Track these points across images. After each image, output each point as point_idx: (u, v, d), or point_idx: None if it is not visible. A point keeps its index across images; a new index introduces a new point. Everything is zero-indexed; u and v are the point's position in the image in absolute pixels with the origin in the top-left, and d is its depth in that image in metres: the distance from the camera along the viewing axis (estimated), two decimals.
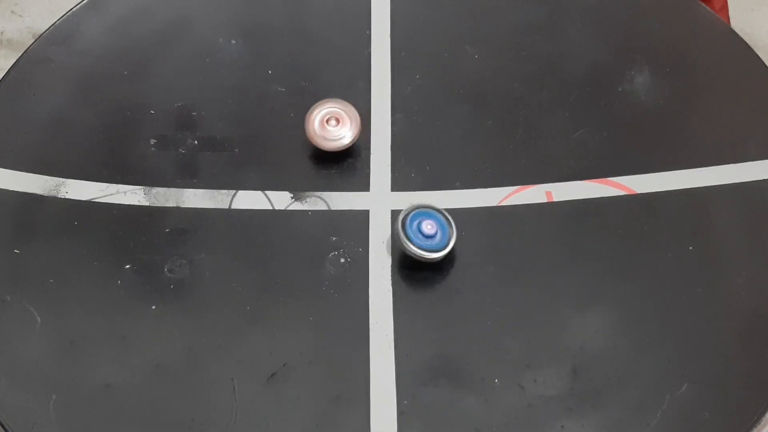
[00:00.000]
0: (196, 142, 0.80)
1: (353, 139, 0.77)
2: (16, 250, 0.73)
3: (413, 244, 0.71)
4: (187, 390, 0.67)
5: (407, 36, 0.87)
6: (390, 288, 0.72)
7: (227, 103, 0.83)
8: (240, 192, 0.77)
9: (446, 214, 0.73)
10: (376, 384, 0.67)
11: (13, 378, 0.67)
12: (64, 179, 0.77)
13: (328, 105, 0.78)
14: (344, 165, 0.79)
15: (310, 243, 0.74)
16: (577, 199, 0.77)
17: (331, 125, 0.77)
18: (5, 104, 0.82)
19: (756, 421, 0.66)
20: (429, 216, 0.72)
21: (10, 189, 0.77)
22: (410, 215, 0.72)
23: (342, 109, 0.77)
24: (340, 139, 0.77)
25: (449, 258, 0.73)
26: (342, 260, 0.73)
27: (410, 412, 0.66)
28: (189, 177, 0.78)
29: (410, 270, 0.73)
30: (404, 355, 0.68)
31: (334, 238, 0.74)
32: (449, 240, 0.72)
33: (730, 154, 0.79)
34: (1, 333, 0.69)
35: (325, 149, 0.77)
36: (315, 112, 0.77)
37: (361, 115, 0.78)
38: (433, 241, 0.71)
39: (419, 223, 0.71)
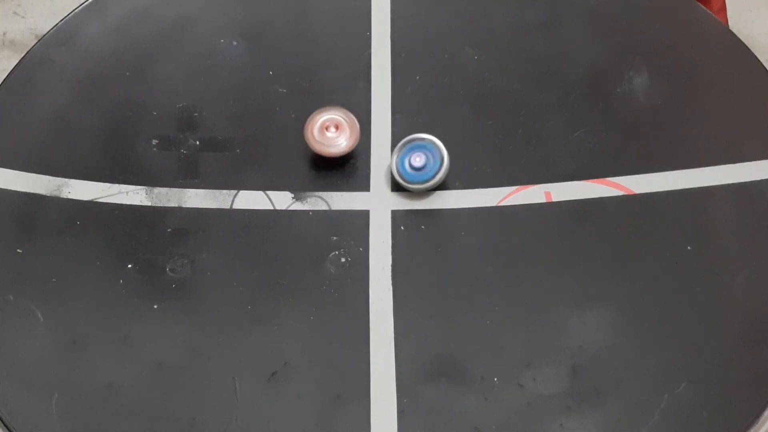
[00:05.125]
0: (197, 142, 0.80)
1: (350, 149, 0.77)
2: (18, 250, 0.74)
3: (403, 179, 0.75)
4: (189, 389, 0.67)
5: (407, 37, 0.87)
6: (390, 288, 0.72)
7: (228, 104, 0.83)
8: (241, 192, 0.77)
9: (437, 142, 0.76)
10: (377, 383, 0.67)
11: (15, 377, 0.68)
12: (66, 179, 0.77)
13: (328, 112, 0.78)
14: (345, 165, 0.79)
15: (311, 243, 0.74)
16: (576, 199, 0.77)
17: (330, 132, 0.77)
18: (8, 105, 0.82)
19: (754, 420, 0.66)
20: (420, 148, 0.76)
21: (13, 189, 0.77)
22: (403, 150, 0.76)
23: (341, 117, 0.78)
24: (338, 145, 0.77)
25: (449, 257, 0.73)
26: (342, 260, 0.73)
27: (410, 411, 0.66)
28: (191, 177, 0.78)
29: (410, 270, 0.73)
30: (404, 355, 0.69)
31: (334, 238, 0.75)
32: (439, 169, 0.75)
33: (728, 154, 0.79)
34: (4, 332, 0.70)
35: (324, 155, 0.77)
36: (315, 119, 0.78)
37: (360, 117, 0.79)
38: (422, 172, 0.75)
39: (410, 158, 0.75)
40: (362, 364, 0.68)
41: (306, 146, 0.78)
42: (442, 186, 0.77)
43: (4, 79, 0.84)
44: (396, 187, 0.77)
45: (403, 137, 0.79)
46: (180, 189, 0.77)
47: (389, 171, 0.78)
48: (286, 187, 0.78)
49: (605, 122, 0.81)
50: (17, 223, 0.75)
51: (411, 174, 0.76)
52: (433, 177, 0.75)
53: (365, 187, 0.78)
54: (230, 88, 0.84)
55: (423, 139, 0.77)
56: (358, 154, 0.79)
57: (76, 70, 0.85)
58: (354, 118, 0.78)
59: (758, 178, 0.77)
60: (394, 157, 0.76)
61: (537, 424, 0.66)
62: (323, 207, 0.77)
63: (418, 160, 0.75)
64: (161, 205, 0.76)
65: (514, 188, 0.77)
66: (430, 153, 0.76)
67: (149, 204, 0.76)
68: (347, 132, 0.78)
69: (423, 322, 0.71)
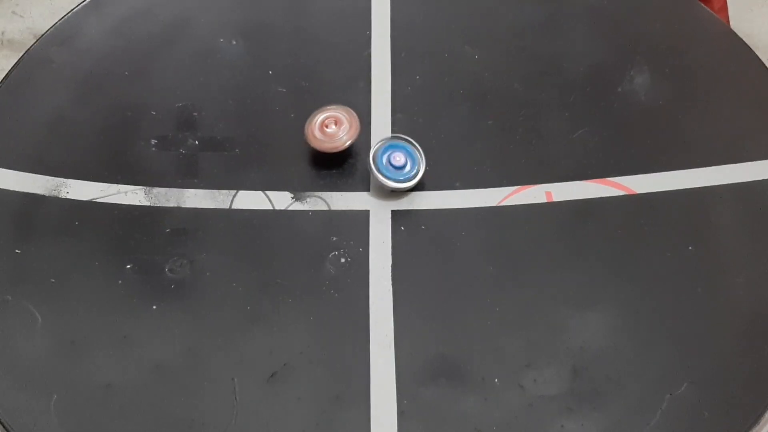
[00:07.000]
0: (196, 142, 0.80)
1: (351, 141, 0.77)
2: (17, 250, 0.73)
3: (384, 176, 0.75)
4: (188, 389, 0.67)
5: (407, 36, 0.87)
6: (390, 288, 0.72)
7: (228, 104, 0.83)
8: (240, 192, 0.77)
9: (415, 143, 0.76)
10: (376, 384, 0.67)
11: (13, 377, 0.68)
12: (65, 179, 0.77)
13: (327, 111, 0.78)
14: (344, 165, 0.79)
15: (311, 243, 0.74)
16: (577, 199, 0.77)
17: (330, 128, 0.77)
18: (6, 105, 0.82)
19: (755, 420, 0.66)
20: (398, 148, 0.76)
21: (12, 189, 0.77)
22: (380, 149, 0.76)
23: (341, 113, 0.78)
24: (338, 140, 0.77)
25: (450, 258, 0.73)
26: (342, 260, 0.73)
27: (410, 411, 0.66)
28: (190, 177, 0.78)
29: (410, 270, 0.73)
30: (404, 355, 0.68)
31: (334, 238, 0.74)
32: (418, 169, 0.76)
33: (729, 154, 0.79)
34: (2, 332, 0.70)
35: (324, 151, 0.77)
36: (315, 118, 0.78)
37: (360, 116, 0.79)
38: (402, 172, 0.75)
39: (389, 156, 0.76)
40: (362, 365, 0.68)
41: (305, 146, 0.78)
42: (442, 186, 0.77)
43: (3, 79, 0.84)
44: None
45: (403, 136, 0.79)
46: (179, 189, 0.77)
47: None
48: (286, 187, 0.77)
49: (606, 122, 0.81)
50: (16, 223, 0.75)
51: (392, 172, 0.76)
52: (415, 176, 0.76)
53: (365, 187, 0.77)
54: (230, 88, 0.84)
55: (398, 138, 0.77)
56: (358, 153, 0.79)
57: (74, 69, 0.85)
58: (354, 113, 0.78)
59: (759, 178, 0.77)
60: (371, 155, 0.76)
61: (538, 425, 0.66)
62: (323, 207, 0.76)
63: (398, 159, 0.76)
64: (160, 205, 0.76)
65: (514, 188, 0.77)
66: (408, 153, 0.76)
67: (148, 204, 0.76)
68: (346, 127, 0.77)
69: (423, 322, 0.70)
